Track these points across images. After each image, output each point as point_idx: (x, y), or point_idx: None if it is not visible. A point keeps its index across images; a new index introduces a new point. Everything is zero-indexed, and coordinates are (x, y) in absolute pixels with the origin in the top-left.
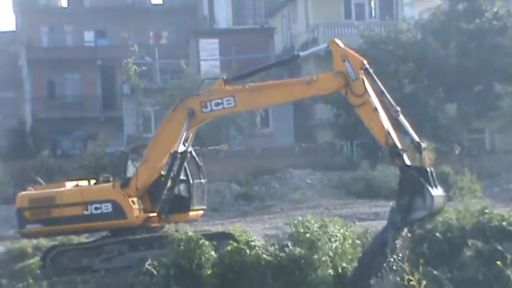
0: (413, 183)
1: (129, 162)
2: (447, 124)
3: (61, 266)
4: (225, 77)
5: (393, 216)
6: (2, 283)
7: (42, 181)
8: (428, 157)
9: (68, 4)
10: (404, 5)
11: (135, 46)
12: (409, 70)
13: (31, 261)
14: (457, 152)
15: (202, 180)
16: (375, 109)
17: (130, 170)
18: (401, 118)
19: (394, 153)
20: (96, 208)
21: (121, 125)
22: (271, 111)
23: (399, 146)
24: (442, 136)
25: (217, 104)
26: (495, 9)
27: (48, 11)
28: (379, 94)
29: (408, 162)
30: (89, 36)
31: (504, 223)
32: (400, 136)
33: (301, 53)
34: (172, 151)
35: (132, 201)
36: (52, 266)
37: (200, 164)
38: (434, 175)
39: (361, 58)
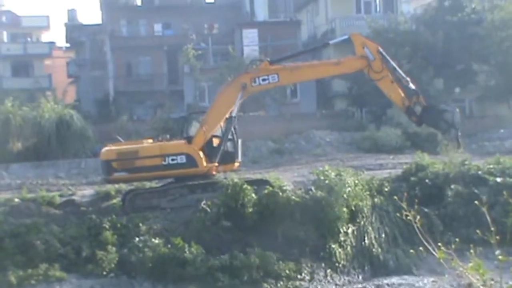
0: (431, 114)
1: (192, 123)
2: (436, 95)
3: (137, 205)
4: (269, 59)
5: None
6: (92, 218)
7: (121, 139)
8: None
9: (142, 2)
10: (402, 2)
11: (193, 35)
12: (406, 53)
13: (114, 201)
14: None
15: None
16: (392, 81)
17: (191, 130)
18: (411, 85)
19: (410, 112)
20: (172, 159)
21: (182, 96)
22: (298, 85)
23: (409, 102)
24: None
25: (264, 80)
26: (473, 5)
27: (126, 8)
28: (392, 70)
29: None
30: (157, 28)
31: (479, 172)
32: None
33: (331, 42)
34: (226, 116)
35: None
36: (130, 205)
37: (236, 126)
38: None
39: (376, 44)
